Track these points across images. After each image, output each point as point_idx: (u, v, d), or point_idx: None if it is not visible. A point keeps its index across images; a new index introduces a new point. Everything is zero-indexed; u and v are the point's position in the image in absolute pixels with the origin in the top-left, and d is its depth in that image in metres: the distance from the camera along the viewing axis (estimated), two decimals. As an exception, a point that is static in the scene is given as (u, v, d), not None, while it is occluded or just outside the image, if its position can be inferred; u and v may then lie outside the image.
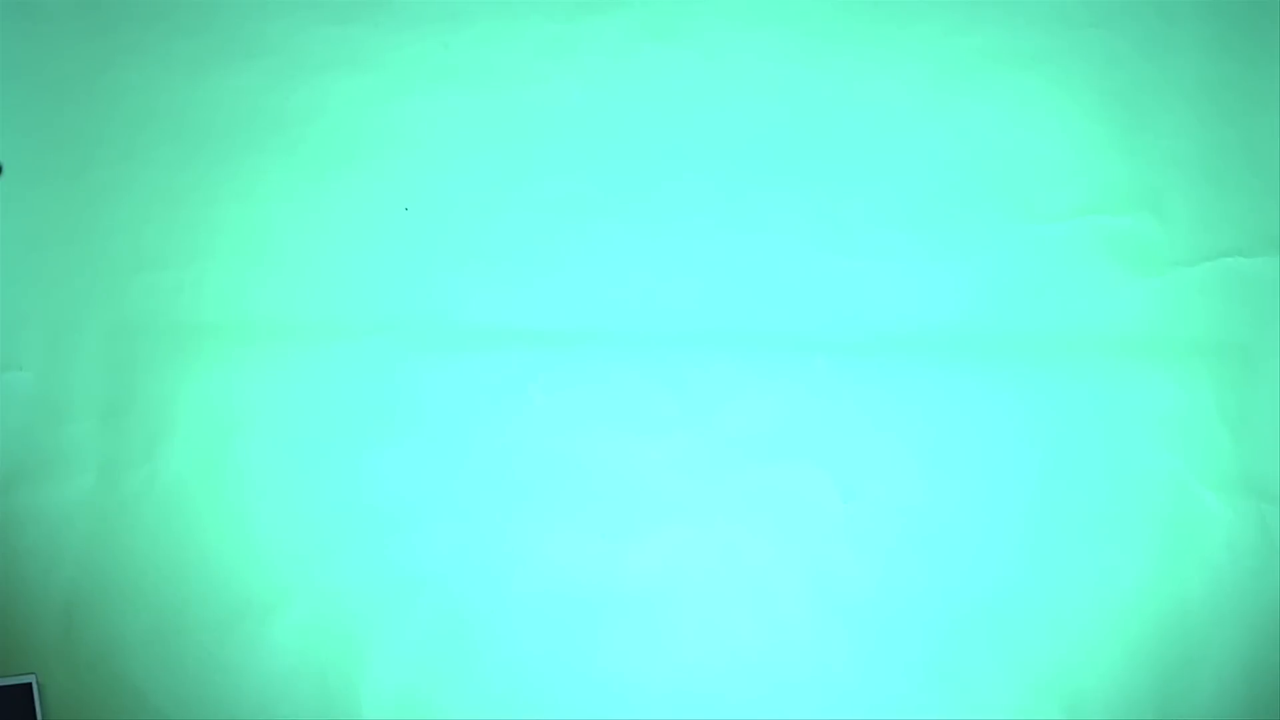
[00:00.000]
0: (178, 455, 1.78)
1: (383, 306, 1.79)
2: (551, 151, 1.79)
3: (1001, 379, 1.76)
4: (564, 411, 1.79)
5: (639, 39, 1.79)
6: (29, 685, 1.71)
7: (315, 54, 1.80)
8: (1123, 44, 1.77)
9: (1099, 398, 1.76)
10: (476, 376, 1.79)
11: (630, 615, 1.77)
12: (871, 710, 1.76)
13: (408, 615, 1.77)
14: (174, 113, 1.80)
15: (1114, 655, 1.72)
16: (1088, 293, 1.76)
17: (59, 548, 1.78)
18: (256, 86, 1.80)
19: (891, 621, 1.75)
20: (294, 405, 1.78)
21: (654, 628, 1.77)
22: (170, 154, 1.79)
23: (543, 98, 1.79)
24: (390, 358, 1.79)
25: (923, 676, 1.75)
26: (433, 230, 1.79)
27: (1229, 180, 1.76)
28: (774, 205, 1.78)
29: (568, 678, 1.76)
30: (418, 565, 1.78)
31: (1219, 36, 1.78)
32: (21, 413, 1.78)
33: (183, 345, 1.79)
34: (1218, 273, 1.75)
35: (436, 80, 1.79)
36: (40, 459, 1.78)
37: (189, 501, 1.78)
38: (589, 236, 1.78)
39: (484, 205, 1.79)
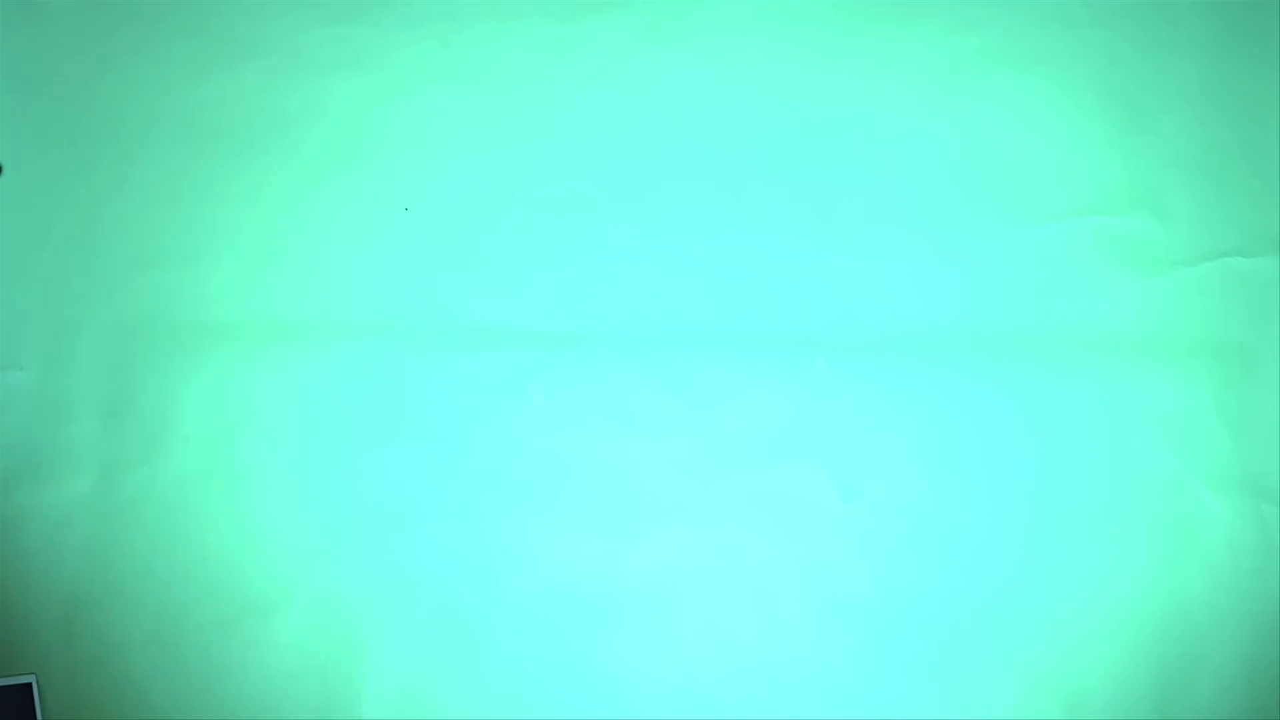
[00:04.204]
0: (178, 455, 1.78)
1: (383, 306, 1.79)
2: (551, 151, 1.79)
3: (1001, 379, 1.76)
4: (564, 412, 1.79)
5: (639, 39, 1.79)
6: (29, 685, 1.71)
7: (315, 54, 1.80)
8: (1123, 44, 1.77)
9: (1099, 398, 1.76)
10: (476, 376, 1.79)
11: (630, 615, 1.77)
12: (871, 710, 1.76)
13: (408, 615, 1.77)
14: (175, 113, 1.80)
15: (1114, 654, 1.72)
16: (1088, 293, 1.76)
17: (59, 548, 1.78)
18: (257, 87, 1.80)
19: (891, 621, 1.75)
20: (294, 405, 1.79)
21: (654, 628, 1.77)
22: (171, 154, 1.80)
23: (543, 98, 1.79)
24: (390, 358, 1.79)
25: (923, 676, 1.75)
26: (433, 230, 1.79)
27: (1229, 180, 1.76)
28: (774, 205, 1.78)
29: (568, 678, 1.76)
30: (418, 565, 1.78)
31: (1219, 37, 1.78)
32: (21, 413, 1.78)
33: (183, 345, 1.79)
34: (1218, 273, 1.75)
35: (436, 80, 1.79)
36: (40, 459, 1.78)
37: (189, 501, 1.78)
38: (589, 237, 1.78)
39: (484, 205, 1.79)
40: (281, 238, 1.79)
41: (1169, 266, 1.76)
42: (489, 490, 1.78)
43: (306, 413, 1.79)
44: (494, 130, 1.79)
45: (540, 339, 1.79)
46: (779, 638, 1.76)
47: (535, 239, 1.78)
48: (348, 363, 1.79)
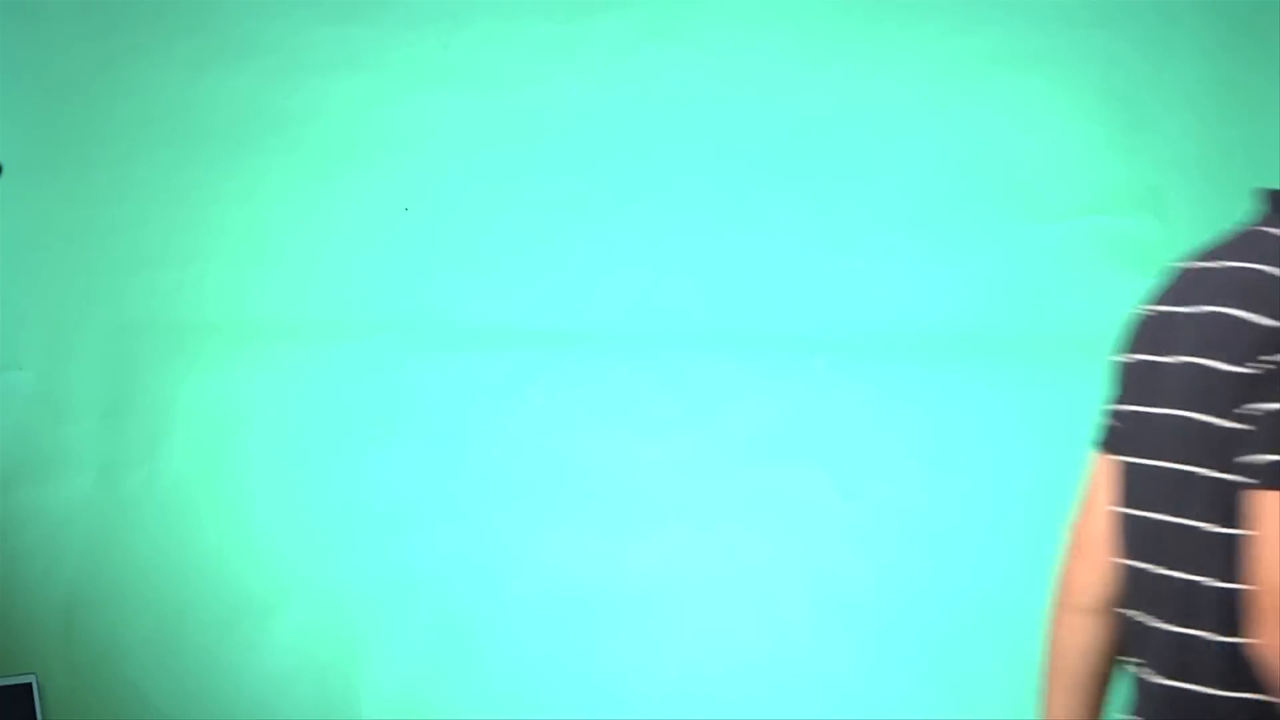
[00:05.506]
0: (178, 455, 1.78)
1: (383, 306, 1.79)
2: (551, 151, 1.79)
3: (1001, 379, 1.76)
4: (564, 411, 1.79)
5: (639, 39, 1.79)
6: (29, 685, 1.71)
7: (315, 54, 1.80)
8: (1123, 44, 1.77)
9: (1099, 398, 1.75)
10: (476, 376, 1.79)
11: (630, 615, 1.77)
12: (871, 710, 1.76)
13: (408, 615, 1.77)
14: (174, 113, 1.80)
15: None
16: (1088, 293, 1.76)
17: (59, 548, 1.78)
18: (256, 86, 1.80)
19: (891, 621, 1.75)
20: (294, 405, 1.78)
21: (654, 628, 1.77)
22: (170, 154, 1.79)
23: (543, 98, 1.79)
24: (390, 358, 1.79)
25: (923, 676, 1.75)
26: (433, 230, 1.79)
27: (1229, 180, 1.76)
28: (774, 205, 1.78)
29: (568, 678, 1.76)
30: (418, 565, 1.77)
31: (1219, 37, 1.78)
32: (21, 413, 1.78)
33: (183, 345, 1.79)
34: (1218, 273, 1.75)
35: (436, 80, 1.79)
36: (40, 459, 1.78)
37: (189, 501, 1.78)
38: (589, 236, 1.78)
39: (484, 205, 1.79)
40: (281, 238, 1.79)
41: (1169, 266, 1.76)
42: (489, 490, 1.78)
43: (306, 413, 1.79)
44: (494, 130, 1.79)
45: (540, 339, 1.79)
46: (779, 638, 1.76)
47: (535, 239, 1.78)
48: (348, 363, 1.79)
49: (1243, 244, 1.11)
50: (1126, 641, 1.15)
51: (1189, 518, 1.08)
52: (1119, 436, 1.16)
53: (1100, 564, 1.19)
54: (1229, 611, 1.05)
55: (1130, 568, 1.13)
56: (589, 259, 1.78)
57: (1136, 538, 1.13)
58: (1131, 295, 1.75)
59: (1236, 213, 1.76)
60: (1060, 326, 1.76)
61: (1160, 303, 1.15)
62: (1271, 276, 1.06)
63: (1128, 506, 1.14)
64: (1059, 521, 1.75)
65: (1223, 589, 1.05)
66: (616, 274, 1.78)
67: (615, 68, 1.79)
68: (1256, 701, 1.04)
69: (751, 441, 1.77)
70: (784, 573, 1.76)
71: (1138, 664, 1.13)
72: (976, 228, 1.77)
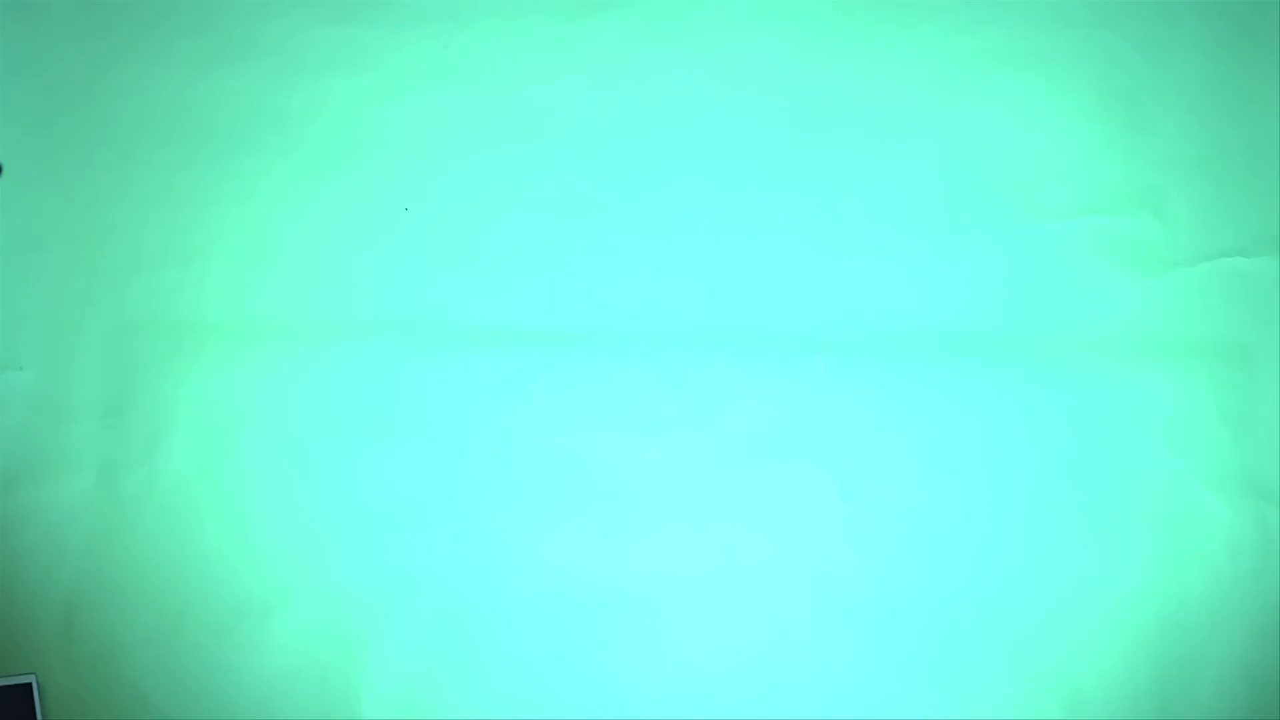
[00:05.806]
0: (178, 455, 1.78)
1: (383, 306, 1.79)
2: (551, 151, 1.79)
3: (1001, 379, 1.76)
4: (564, 411, 1.79)
5: (639, 39, 1.79)
6: (29, 685, 1.71)
7: (315, 54, 1.80)
8: (1123, 44, 1.77)
9: (1099, 398, 1.76)
10: (476, 376, 1.79)
11: (630, 615, 1.77)
12: (871, 710, 1.76)
13: (408, 615, 1.77)
14: (174, 113, 1.80)
15: (1114, 655, 1.72)
16: (1088, 293, 1.76)
17: (59, 548, 1.78)
18: (256, 86, 1.80)
19: (891, 621, 1.75)
20: (294, 405, 1.78)
21: (654, 628, 1.77)
22: (170, 154, 1.80)
23: (543, 98, 1.79)
24: (390, 358, 1.79)
25: (923, 676, 1.75)
26: (433, 230, 1.79)
27: (1229, 180, 1.76)
28: (774, 205, 1.78)
29: (568, 678, 1.76)
30: (418, 565, 1.78)
31: (1219, 36, 1.78)
32: (21, 413, 1.78)
33: (183, 345, 1.79)
34: (1218, 273, 1.75)
35: (436, 80, 1.79)
36: (40, 459, 1.78)
37: (189, 501, 1.78)
38: (589, 236, 1.78)
39: (484, 205, 1.79)
40: (281, 238, 1.79)
41: (1169, 266, 1.76)
42: (489, 490, 1.78)
43: (305, 413, 1.79)
44: (494, 130, 1.79)
45: (540, 339, 1.79)
46: (779, 638, 1.76)
47: (535, 239, 1.78)
48: (347, 363, 1.79)
49: None
50: None
51: None
52: None
53: None
54: None
55: None
56: (589, 259, 1.78)
57: None
58: (1131, 295, 1.77)
59: (1237, 213, 1.77)
60: (1060, 326, 1.76)
61: None
62: None
63: None
64: (1059, 522, 1.76)
65: None
66: (616, 274, 1.79)
67: (615, 68, 1.79)
68: None
69: (751, 441, 1.77)
70: (784, 573, 1.76)
71: None
72: (976, 228, 1.78)
